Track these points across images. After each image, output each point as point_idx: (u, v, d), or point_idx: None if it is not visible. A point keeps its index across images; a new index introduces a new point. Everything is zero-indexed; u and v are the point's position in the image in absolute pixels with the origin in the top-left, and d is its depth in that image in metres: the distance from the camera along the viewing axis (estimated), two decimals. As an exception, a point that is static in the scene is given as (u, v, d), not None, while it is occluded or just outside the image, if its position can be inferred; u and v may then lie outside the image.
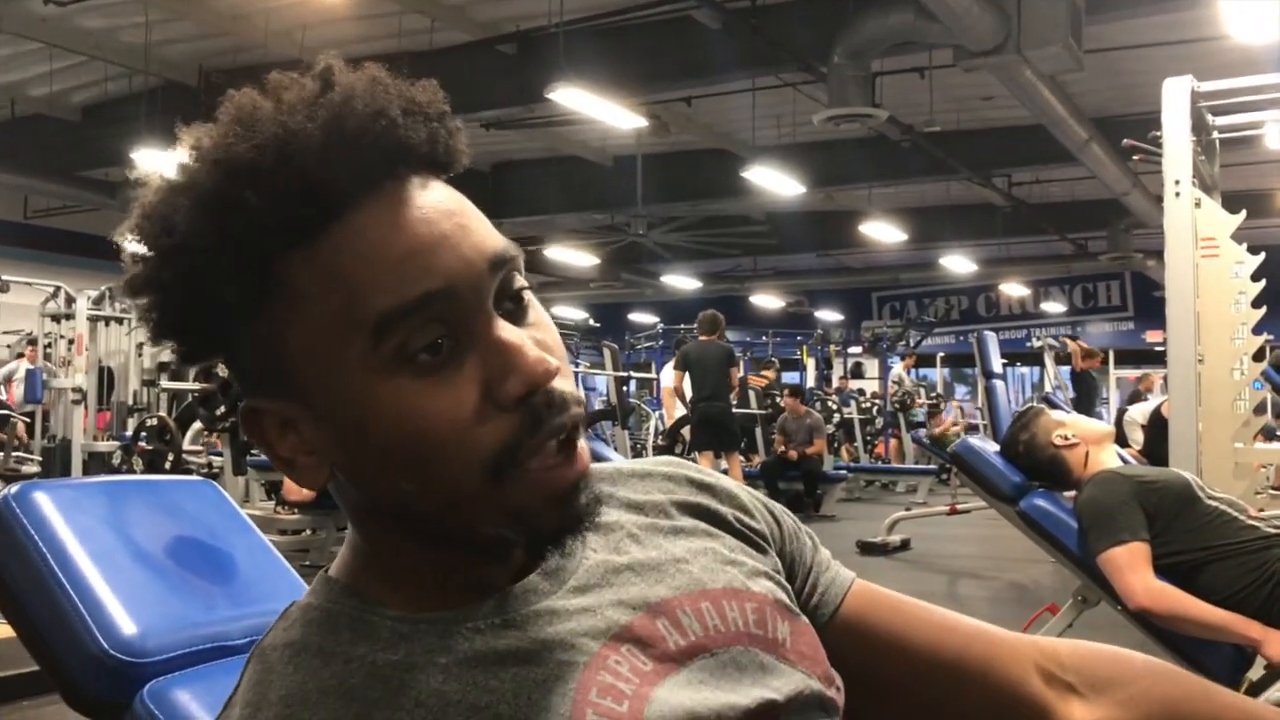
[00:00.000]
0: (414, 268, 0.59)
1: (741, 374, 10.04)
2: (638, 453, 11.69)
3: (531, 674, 0.61)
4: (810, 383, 14.12)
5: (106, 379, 8.54)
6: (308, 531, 6.17)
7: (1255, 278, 3.58)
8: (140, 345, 8.67)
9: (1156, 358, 14.01)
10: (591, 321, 16.66)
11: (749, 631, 0.68)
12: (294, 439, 0.63)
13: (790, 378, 14.50)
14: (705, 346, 8.47)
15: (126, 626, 1.03)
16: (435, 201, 0.61)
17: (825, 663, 0.71)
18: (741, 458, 9.38)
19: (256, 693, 0.61)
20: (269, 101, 0.60)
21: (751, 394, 11.48)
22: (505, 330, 0.61)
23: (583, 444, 0.63)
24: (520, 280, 0.64)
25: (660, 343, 15.34)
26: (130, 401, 8.58)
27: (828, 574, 0.81)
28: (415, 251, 0.59)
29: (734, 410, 8.91)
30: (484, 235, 0.62)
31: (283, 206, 0.58)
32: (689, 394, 8.51)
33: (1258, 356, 3.64)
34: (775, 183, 10.89)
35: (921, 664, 0.79)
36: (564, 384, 0.62)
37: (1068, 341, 11.61)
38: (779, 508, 0.82)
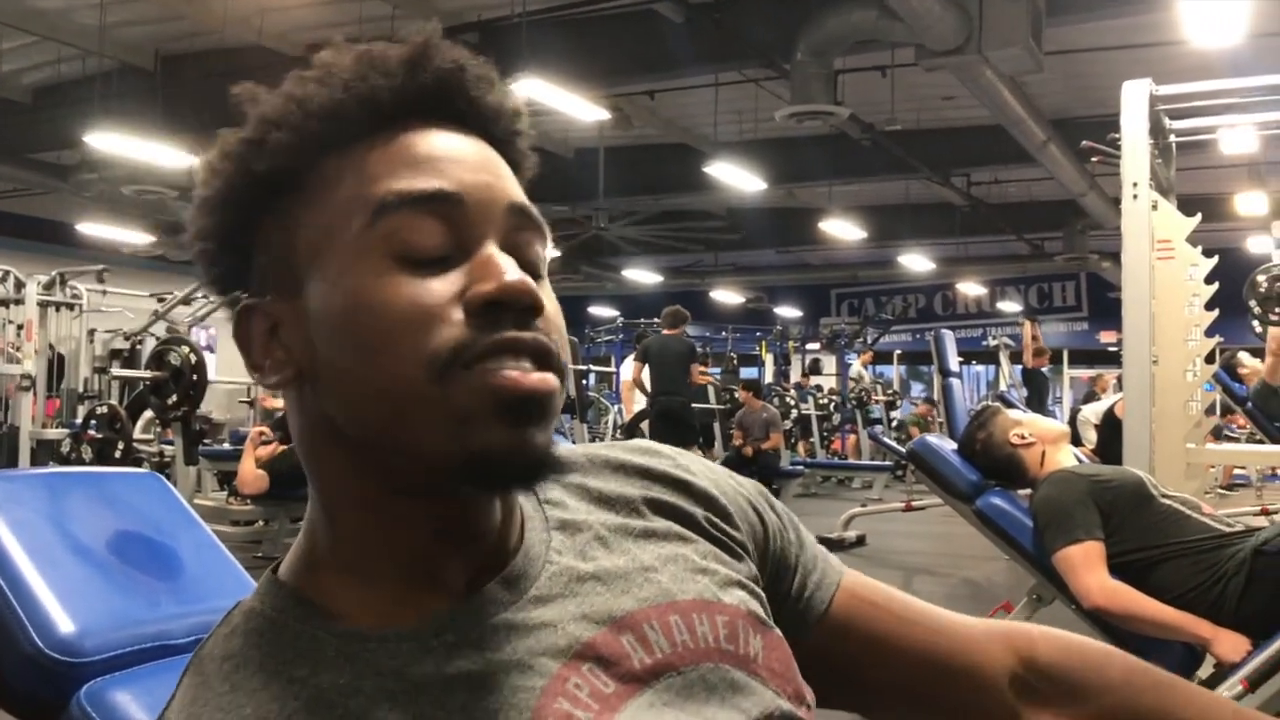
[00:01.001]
0: (431, 168, 0.61)
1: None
2: (596, 446, 11.65)
3: (484, 703, 0.57)
4: (769, 378, 14.17)
5: (56, 365, 8.39)
6: (260, 523, 6.09)
7: (1209, 281, 3.62)
8: (91, 332, 8.52)
9: (1110, 358, 14.20)
10: (551, 314, 16.60)
11: (719, 647, 0.65)
12: (275, 346, 0.62)
13: (749, 373, 14.55)
14: (667, 341, 8.49)
15: (64, 624, 1.00)
16: (478, 146, 0.63)
17: (797, 678, 0.68)
18: (700, 452, 9.39)
19: (190, 713, 0.58)
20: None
21: (710, 389, 11.51)
22: (498, 253, 0.60)
23: (555, 381, 0.60)
24: (538, 252, 0.63)
25: (620, 336, 15.34)
26: (81, 389, 8.43)
27: (815, 575, 0.78)
28: (437, 158, 0.61)
29: (693, 405, 8.92)
30: (514, 188, 0.64)
31: (339, 102, 0.61)
32: (648, 387, 8.53)
33: (1210, 359, 3.68)
34: (736, 178, 10.91)
35: (908, 666, 0.78)
36: (546, 324, 0.60)
37: (1025, 323, 11.57)
38: (764, 502, 0.78)
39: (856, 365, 14.68)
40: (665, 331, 8.61)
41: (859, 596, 0.79)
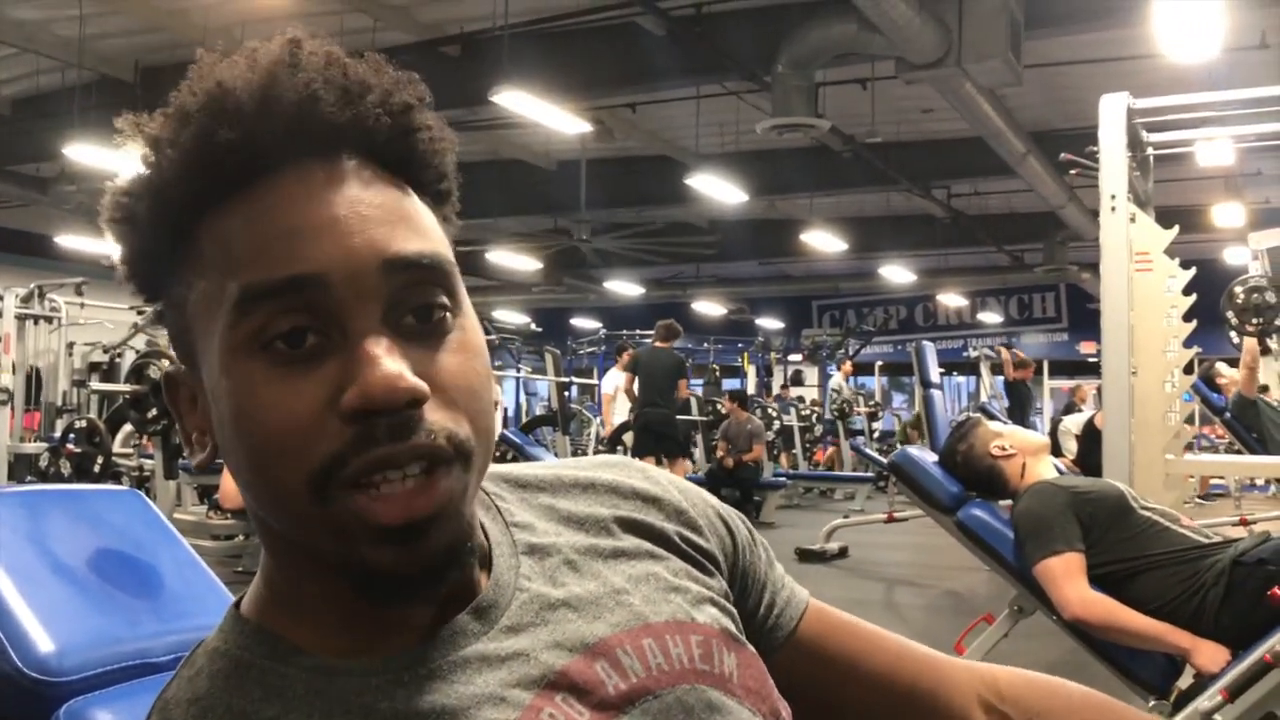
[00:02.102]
0: (290, 247, 0.55)
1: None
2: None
3: None
4: (751, 389, 14.18)
5: (35, 379, 8.33)
6: (240, 537, 6.05)
7: (1186, 292, 3.65)
8: (70, 345, 8.47)
9: (1090, 369, 14.24)
10: (533, 326, 16.59)
11: (694, 668, 0.64)
12: (199, 418, 0.61)
13: (731, 384, 14.56)
14: (658, 353, 8.53)
15: (43, 644, 0.99)
16: (348, 189, 0.57)
17: (773, 695, 0.68)
18: (685, 465, 9.41)
19: None
20: (234, 61, 0.59)
21: (692, 401, 11.51)
22: (372, 341, 0.55)
23: (447, 485, 0.55)
24: (437, 297, 0.58)
25: (602, 348, 15.32)
26: (59, 402, 8.38)
27: (784, 593, 0.78)
28: (296, 231, 0.55)
29: (679, 418, 8.95)
30: (391, 234, 0.57)
31: (192, 167, 0.56)
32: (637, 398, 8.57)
33: (1188, 370, 3.71)
34: (718, 190, 10.93)
35: (874, 690, 0.78)
36: (440, 415, 0.55)
37: (1001, 350, 11.76)
38: (734, 517, 0.78)
39: (837, 378, 14.71)
40: (657, 344, 8.64)
41: (826, 619, 0.79)
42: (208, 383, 0.58)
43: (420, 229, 0.59)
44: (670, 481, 0.76)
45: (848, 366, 14.90)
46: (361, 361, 0.54)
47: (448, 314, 0.58)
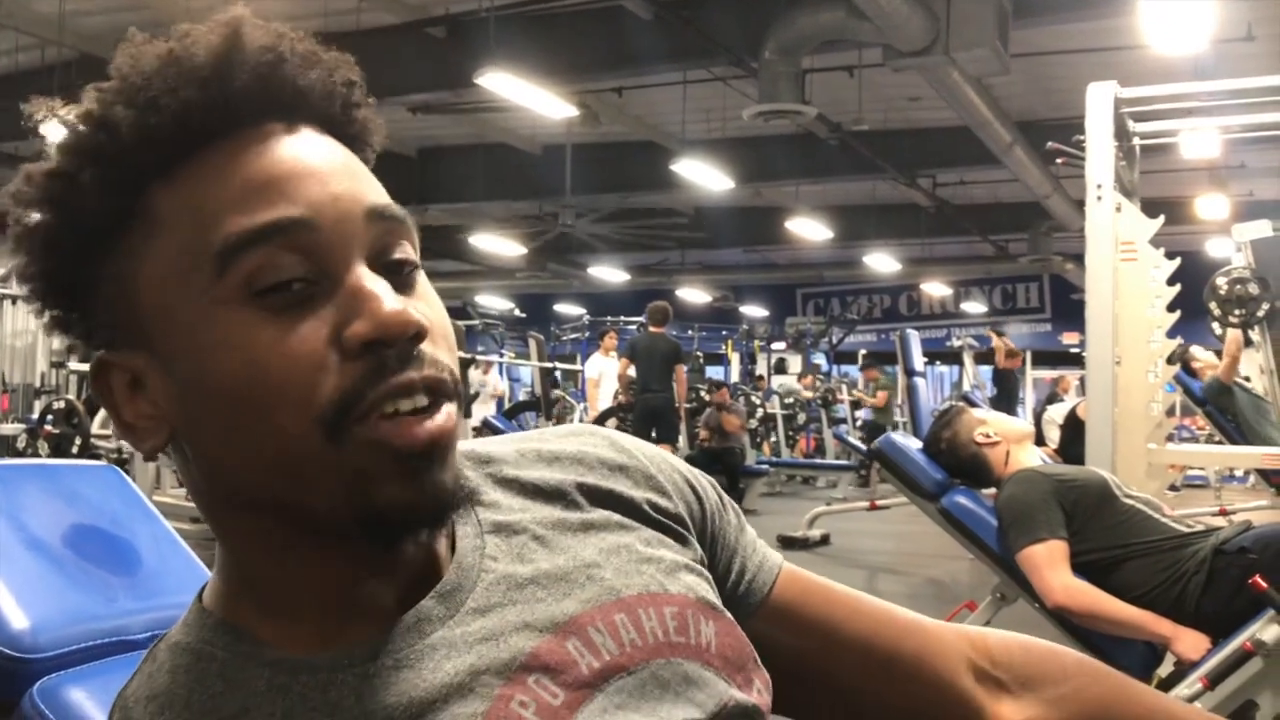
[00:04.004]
0: (273, 193, 0.55)
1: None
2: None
3: None
4: (735, 377, 14.20)
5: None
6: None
7: (1170, 282, 3.66)
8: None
9: (1073, 359, 14.32)
10: (517, 312, 16.56)
11: (669, 641, 0.62)
12: (142, 401, 0.58)
13: (714, 372, 14.57)
14: (654, 339, 8.57)
15: (16, 620, 0.97)
16: (317, 145, 0.58)
17: (749, 662, 0.66)
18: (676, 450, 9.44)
19: None
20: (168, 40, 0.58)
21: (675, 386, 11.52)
22: (368, 277, 0.55)
23: (449, 412, 0.56)
24: (407, 252, 0.59)
25: (586, 334, 15.31)
26: (37, 383, 8.31)
27: (755, 557, 0.76)
28: (278, 178, 0.55)
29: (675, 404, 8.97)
30: (367, 187, 0.58)
31: (153, 126, 0.55)
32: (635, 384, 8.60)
33: (1171, 360, 3.72)
34: (704, 176, 10.91)
35: (854, 655, 0.76)
36: (435, 350, 0.57)
37: (993, 336, 11.74)
38: (702, 481, 0.75)
39: (791, 381, 14.79)
40: (651, 329, 8.67)
41: (800, 583, 0.77)
42: (169, 349, 0.56)
43: (377, 183, 0.60)
44: (637, 447, 0.74)
45: (808, 379, 14.95)
46: (365, 297, 0.54)
47: (413, 271, 0.59)
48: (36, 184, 0.57)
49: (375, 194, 0.59)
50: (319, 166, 0.57)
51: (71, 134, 0.57)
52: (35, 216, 0.57)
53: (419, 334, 0.55)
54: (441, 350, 0.57)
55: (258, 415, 0.54)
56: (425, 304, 0.59)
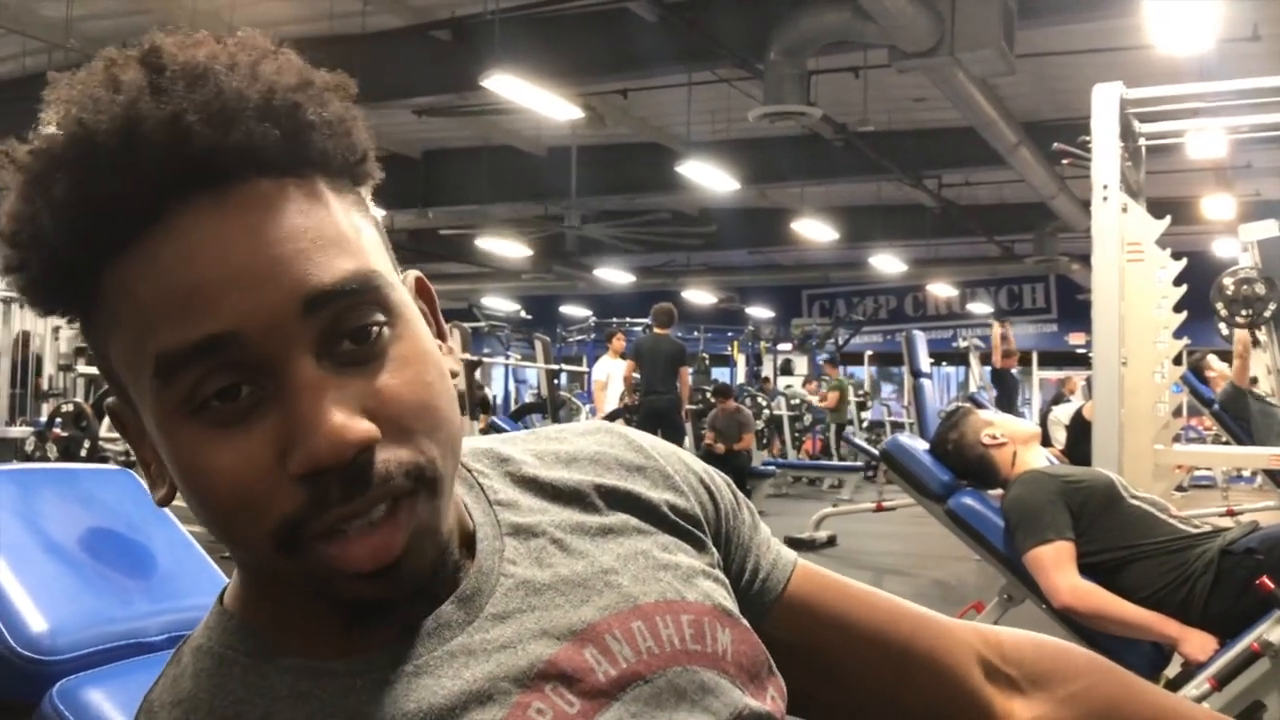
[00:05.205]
0: (196, 306, 0.51)
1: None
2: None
3: None
4: (741, 379, 14.19)
5: (24, 362, 8.28)
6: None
7: (1177, 283, 3.65)
8: (57, 329, 8.41)
9: (1079, 360, 14.32)
10: (523, 313, 16.57)
11: (685, 648, 0.62)
12: (147, 449, 0.58)
13: (720, 373, 14.57)
14: (659, 341, 8.59)
15: (35, 623, 0.98)
16: (249, 220, 0.52)
17: (764, 670, 0.67)
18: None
19: None
20: (101, 85, 0.52)
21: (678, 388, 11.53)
22: (308, 391, 0.51)
23: (416, 518, 0.54)
24: (371, 316, 0.54)
25: (592, 336, 15.31)
26: (46, 386, 8.33)
27: (769, 555, 0.76)
28: (201, 287, 0.51)
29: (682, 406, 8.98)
30: (307, 266, 0.52)
31: (72, 222, 0.51)
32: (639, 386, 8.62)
33: (1177, 360, 3.71)
34: (709, 178, 10.91)
35: (868, 650, 0.76)
36: (394, 451, 0.53)
37: (994, 324, 11.67)
38: (717, 480, 0.75)
39: (796, 385, 14.79)
40: (656, 331, 8.68)
41: (814, 579, 0.77)
42: (150, 432, 0.56)
43: (340, 241, 0.54)
44: (653, 446, 0.74)
45: (812, 385, 14.94)
46: (300, 420, 0.51)
47: (384, 328, 0.54)
48: (5, 236, 0.54)
49: (319, 271, 0.52)
50: (244, 265, 0.51)
51: (8, 221, 0.53)
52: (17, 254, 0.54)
53: (365, 447, 0.51)
54: (404, 443, 0.53)
55: (220, 524, 0.54)
56: (396, 375, 0.54)
